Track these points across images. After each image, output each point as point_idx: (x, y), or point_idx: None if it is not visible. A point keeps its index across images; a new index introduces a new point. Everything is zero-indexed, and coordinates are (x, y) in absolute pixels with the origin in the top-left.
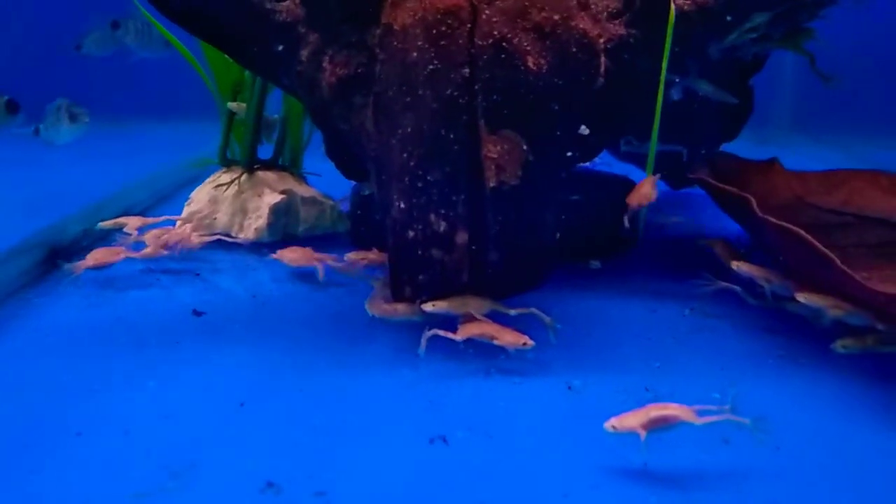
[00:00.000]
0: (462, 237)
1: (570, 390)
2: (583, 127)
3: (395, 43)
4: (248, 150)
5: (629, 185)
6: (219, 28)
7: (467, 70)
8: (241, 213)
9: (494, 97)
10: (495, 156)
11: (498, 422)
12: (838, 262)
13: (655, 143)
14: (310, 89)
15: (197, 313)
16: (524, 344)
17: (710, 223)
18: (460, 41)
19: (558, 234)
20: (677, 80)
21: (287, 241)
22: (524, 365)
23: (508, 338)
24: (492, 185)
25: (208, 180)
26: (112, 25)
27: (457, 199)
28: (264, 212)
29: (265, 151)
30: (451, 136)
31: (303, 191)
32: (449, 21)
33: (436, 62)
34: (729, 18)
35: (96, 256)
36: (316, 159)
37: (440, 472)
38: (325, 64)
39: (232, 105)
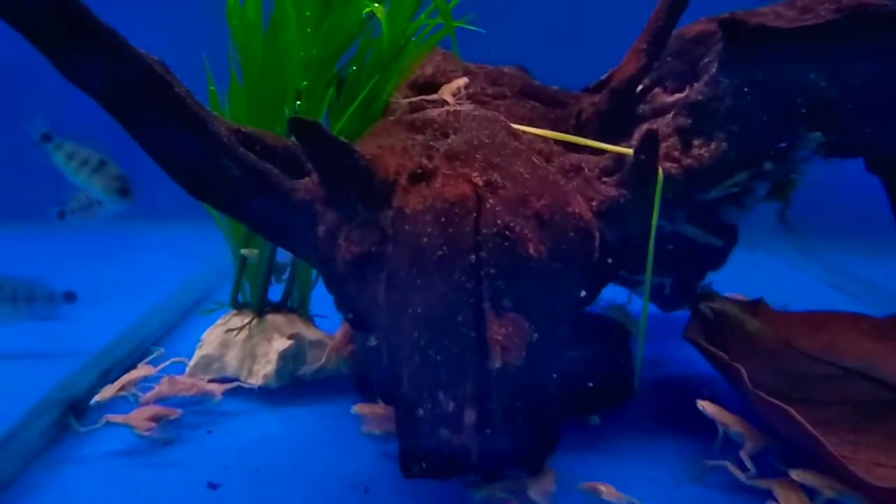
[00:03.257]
0: (470, 417)
1: None
2: (582, 291)
3: (407, 227)
4: (258, 296)
5: (623, 333)
6: (242, 206)
7: (474, 256)
8: (250, 357)
9: (499, 282)
10: (500, 337)
11: None
12: (829, 446)
13: (648, 295)
14: (325, 262)
15: (212, 486)
16: None
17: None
18: (467, 229)
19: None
20: (666, 226)
21: (294, 385)
22: None
23: None
24: (497, 365)
25: (219, 322)
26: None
27: (464, 379)
28: (273, 357)
29: (274, 292)
30: (459, 318)
31: (310, 334)
32: (456, 210)
33: (444, 248)
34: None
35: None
36: (322, 300)
37: None
38: (340, 241)
39: (245, 252)
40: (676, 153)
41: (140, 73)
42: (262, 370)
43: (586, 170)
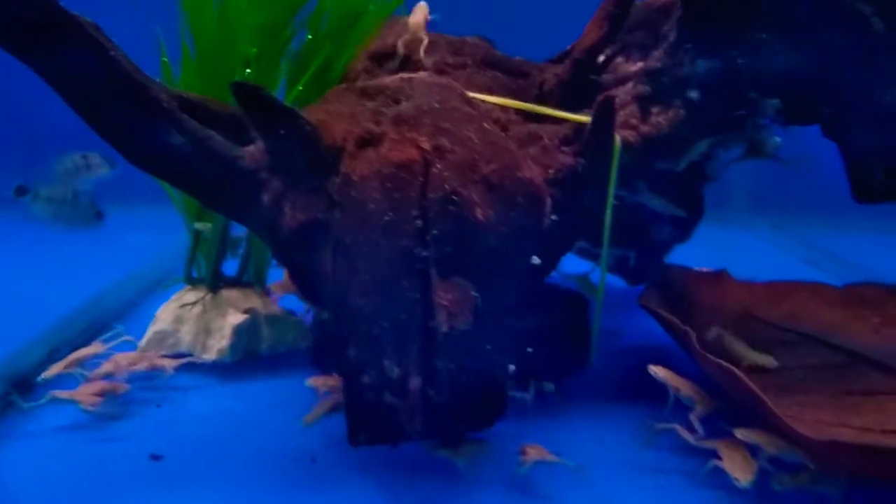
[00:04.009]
0: (415, 383)
1: None
2: (534, 258)
3: (353, 193)
4: (212, 271)
5: (582, 303)
6: (184, 173)
7: (420, 221)
8: (204, 333)
9: (445, 247)
10: (447, 303)
11: None
12: (770, 403)
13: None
14: (271, 231)
15: (155, 457)
16: None
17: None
18: (413, 194)
19: (512, 367)
20: (627, 196)
21: (250, 360)
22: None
23: None
24: (444, 330)
25: (173, 297)
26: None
27: (410, 345)
28: (227, 332)
29: (231, 266)
30: (405, 283)
31: (266, 308)
32: (403, 175)
33: (390, 213)
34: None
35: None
36: (280, 272)
37: None
38: (286, 208)
39: (198, 225)
40: (634, 121)
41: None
42: (217, 345)
43: (545, 139)
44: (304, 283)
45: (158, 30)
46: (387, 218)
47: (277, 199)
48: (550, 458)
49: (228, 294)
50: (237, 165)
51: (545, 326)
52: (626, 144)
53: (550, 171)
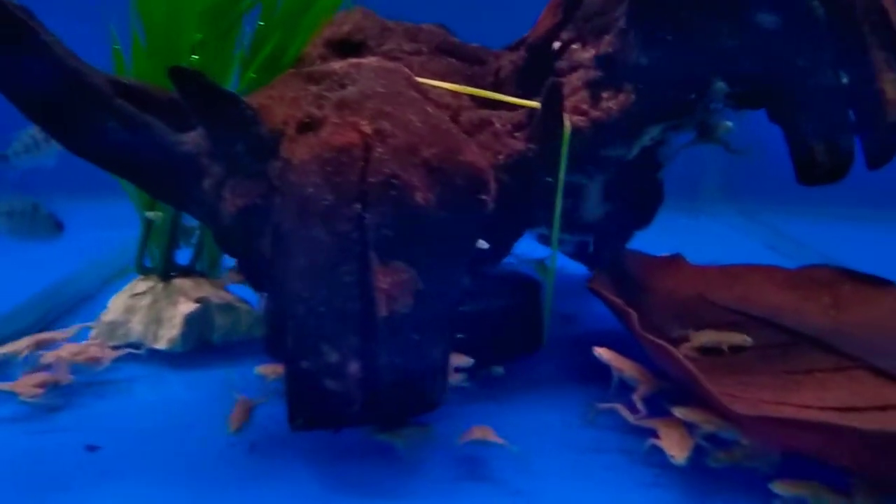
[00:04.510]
0: (354, 367)
1: None
2: (481, 242)
3: (293, 178)
4: (163, 260)
5: (536, 288)
6: (123, 160)
7: (359, 205)
8: (155, 322)
9: (385, 231)
10: (386, 286)
11: None
12: (704, 381)
13: (556, 247)
14: (212, 217)
15: (91, 448)
16: None
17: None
18: (353, 178)
19: (470, 361)
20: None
21: (202, 349)
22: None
23: None
24: (383, 314)
25: (126, 288)
26: None
27: (349, 329)
28: (178, 321)
29: (185, 256)
30: (343, 268)
31: (219, 297)
32: (343, 159)
33: (329, 197)
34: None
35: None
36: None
37: None
38: (226, 194)
39: (149, 214)
40: (585, 106)
41: None
42: (168, 334)
43: (497, 125)
44: (248, 270)
45: (110, 18)
46: (325, 202)
47: (218, 185)
48: (494, 439)
49: (181, 283)
50: (177, 151)
51: (497, 310)
52: (577, 129)
53: (500, 157)
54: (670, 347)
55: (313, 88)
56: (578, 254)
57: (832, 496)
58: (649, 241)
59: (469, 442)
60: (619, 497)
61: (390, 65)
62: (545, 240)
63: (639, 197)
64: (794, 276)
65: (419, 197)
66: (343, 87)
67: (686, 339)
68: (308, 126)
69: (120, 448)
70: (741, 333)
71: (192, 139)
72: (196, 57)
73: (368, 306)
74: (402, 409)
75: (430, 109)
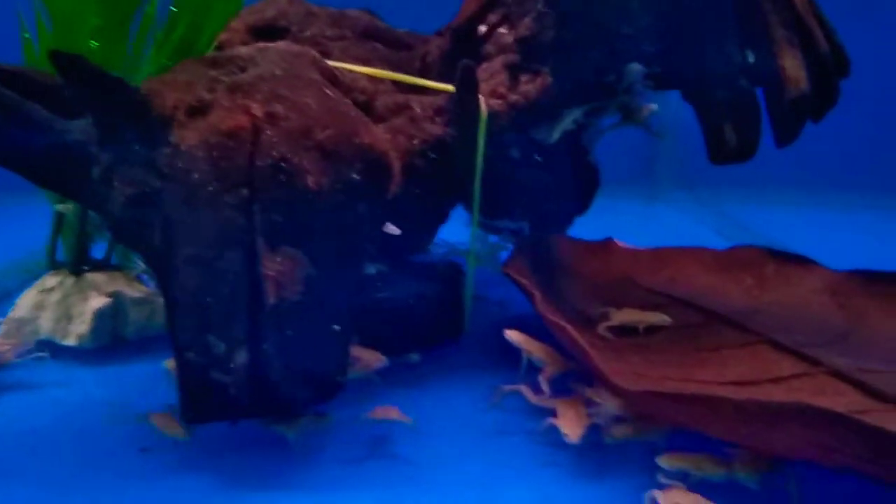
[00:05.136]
0: (241, 357)
1: None
2: (392, 227)
3: (180, 163)
4: (74, 253)
5: (458, 275)
6: (4, 150)
7: (246, 191)
8: (65, 318)
9: (273, 216)
10: (274, 273)
11: None
12: (595, 356)
13: (477, 225)
14: (103, 207)
15: None
16: None
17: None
18: (240, 162)
19: (355, 338)
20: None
21: (115, 344)
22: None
23: None
24: (272, 302)
25: (36, 284)
26: None
27: (236, 319)
28: (88, 317)
29: (100, 250)
30: (230, 256)
31: (133, 291)
32: (230, 143)
33: (215, 183)
34: (542, 112)
35: None
36: None
37: None
38: (115, 183)
39: (58, 207)
40: (503, 90)
41: None
42: (77, 330)
43: (417, 110)
44: (145, 262)
45: (18, 5)
46: (211, 188)
47: (107, 174)
48: (397, 417)
49: (93, 278)
50: (63, 140)
51: (416, 297)
52: (495, 113)
53: (416, 142)
54: (566, 325)
55: (212, 73)
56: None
57: (713, 467)
58: (602, 228)
59: (371, 422)
60: (516, 475)
61: (296, 48)
62: (485, 226)
63: (572, 182)
64: (721, 258)
65: (311, 181)
66: (243, 70)
67: (606, 319)
68: (198, 110)
69: (10, 448)
70: (661, 314)
71: (80, 127)
72: (95, 43)
73: (256, 294)
74: (297, 399)
75: (329, 92)
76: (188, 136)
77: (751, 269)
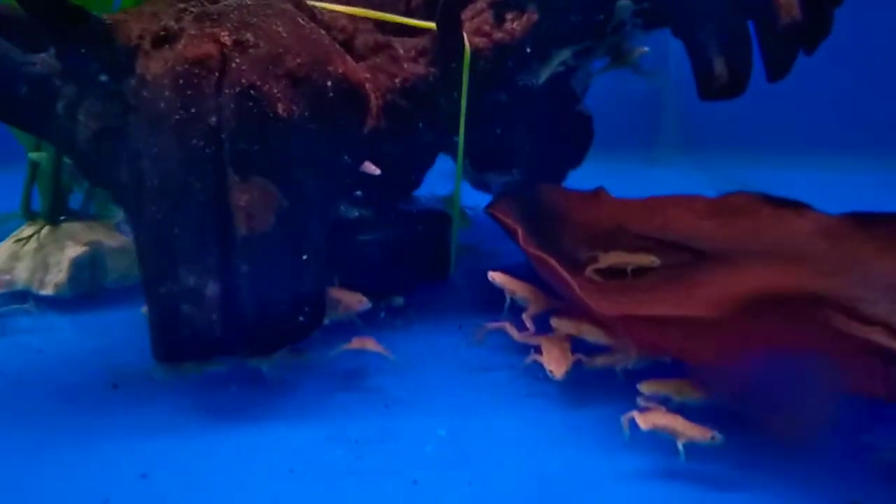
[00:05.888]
0: (212, 290)
1: None
2: (371, 166)
3: (146, 93)
4: (49, 202)
5: (445, 221)
6: None
7: (214, 119)
8: (42, 268)
9: (242, 145)
10: (244, 204)
11: None
12: (576, 286)
13: (461, 173)
14: (68, 142)
15: None
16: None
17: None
18: (207, 90)
19: (336, 280)
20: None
21: (94, 294)
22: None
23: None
24: (242, 233)
25: (13, 234)
26: None
27: (205, 250)
28: (65, 266)
29: (78, 201)
30: (198, 186)
31: (112, 240)
32: (196, 71)
33: (182, 112)
34: (528, 52)
35: None
36: None
37: None
38: (80, 117)
39: (33, 155)
40: (487, 28)
41: None
42: (54, 279)
43: (400, 50)
44: (114, 199)
45: None
46: (177, 117)
47: (72, 108)
48: (374, 348)
49: (70, 227)
50: (26, 72)
51: (402, 241)
52: (479, 51)
53: (397, 80)
54: (549, 258)
55: (181, 4)
56: None
57: (694, 392)
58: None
59: (349, 357)
60: (494, 404)
61: None
62: (477, 184)
63: (564, 133)
64: (715, 205)
65: (281, 109)
66: (214, 1)
67: (594, 262)
68: (164, 39)
69: None
70: (650, 255)
71: (43, 60)
72: None
73: (226, 225)
74: (271, 335)
75: (301, 21)
76: (154, 66)
77: (745, 215)
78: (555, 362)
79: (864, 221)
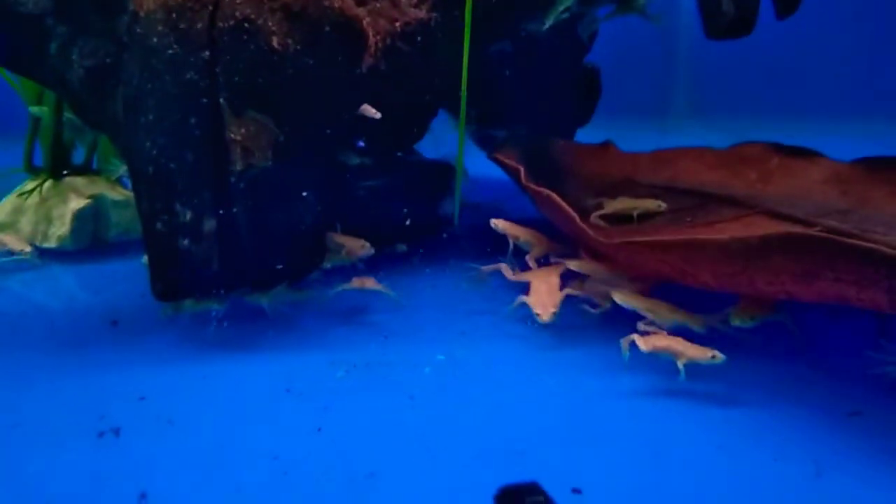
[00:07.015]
0: (209, 225)
1: None
2: (373, 111)
3: (139, 29)
4: (51, 156)
5: (447, 170)
6: None
7: (208, 52)
8: (45, 221)
9: (236, 79)
10: (240, 138)
11: None
12: (577, 219)
13: (464, 126)
14: (61, 82)
15: None
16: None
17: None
18: (200, 24)
19: (339, 226)
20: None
21: (96, 246)
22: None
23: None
24: (239, 168)
25: (16, 189)
26: None
27: (202, 185)
28: (68, 218)
29: (81, 156)
30: (193, 120)
31: (114, 194)
32: (190, 5)
33: (175, 46)
34: None
35: None
36: None
37: None
38: (73, 56)
39: (34, 109)
40: None
41: None
42: (57, 232)
43: None
44: (110, 139)
45: None
46: (171, 52)
47: (65, 47)
48: (372, 286)
49: (72, 181)
50: (17, 12)
51: (405, 190)
52: None
53: (397, 24)
54: (550, 192)
55: None
56: None
57: (669, 314)
58: None
59: (349, 296)
60: (494, 337)
61: None
62: (482, 142)
63: (571, 88)
64: (724, 155)
65: (275, 41)
66: None
67: (600, 208)
68: None
69: None
70: (657, 200)
71: (36, 0)
72: None
73: (222, 160)
74: (269, 273)
75: None
76: (147, 2)
77: (754, 164)
78: (541, 305)
79: (877, 166)
